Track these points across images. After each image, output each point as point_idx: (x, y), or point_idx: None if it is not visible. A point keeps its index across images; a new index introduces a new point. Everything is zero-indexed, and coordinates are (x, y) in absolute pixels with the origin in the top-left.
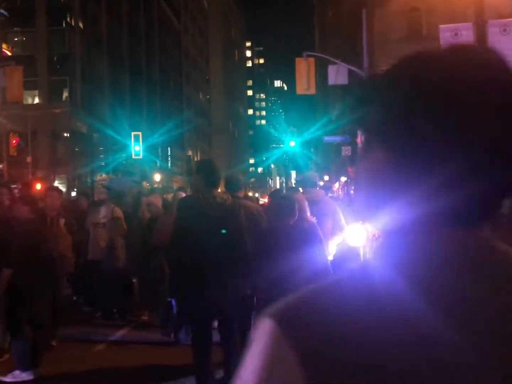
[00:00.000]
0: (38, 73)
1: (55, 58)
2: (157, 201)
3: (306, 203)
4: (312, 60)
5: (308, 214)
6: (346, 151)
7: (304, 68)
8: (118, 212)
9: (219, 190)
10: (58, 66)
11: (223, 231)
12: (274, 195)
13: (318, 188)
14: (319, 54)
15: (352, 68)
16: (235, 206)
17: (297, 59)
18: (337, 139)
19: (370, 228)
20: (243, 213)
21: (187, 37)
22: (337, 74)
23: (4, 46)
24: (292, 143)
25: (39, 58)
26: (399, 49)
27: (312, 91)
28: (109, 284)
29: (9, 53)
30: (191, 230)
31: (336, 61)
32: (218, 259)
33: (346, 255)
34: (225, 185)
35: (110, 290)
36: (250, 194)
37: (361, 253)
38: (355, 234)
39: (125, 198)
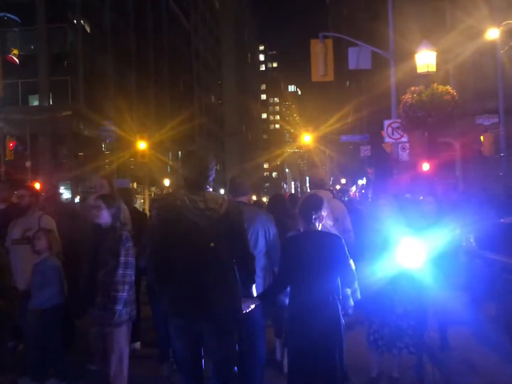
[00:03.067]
0: (38, 73)
1: (56, 58)
2: None
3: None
4: (329, 41)
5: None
6: (365, 151)
7: (320, 51)
8: (48, 221)
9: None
10: (59, 66)
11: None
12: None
13: (325, 189)
14: (337, 35)
15: (377, 50)
16: (234, 213)
17: (312, 41)
18: (355, 138)
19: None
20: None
21: (197, 38)
22: (359, 57)
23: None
24: (307, 139)
25: (39, 57)
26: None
27: (330, 77)
28: (38, 339)
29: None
30: (172, 245)
31: (358, 42)
32: (204, 285)
33: (397, 281)
34: (228, 189)
35: (40, 347)
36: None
37: (418, 277)
38: (411, 250)
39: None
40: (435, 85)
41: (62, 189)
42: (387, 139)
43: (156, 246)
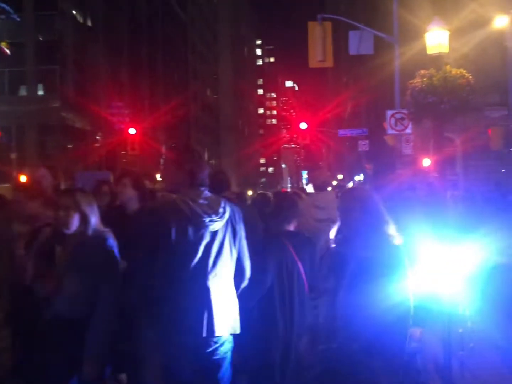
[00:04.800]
0: (26, 62)
1: (44, 46)
2: None
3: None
4: (329, 24)
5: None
6: (363, 145)
7: (318, 34)
8: None
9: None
10: (48, 55)
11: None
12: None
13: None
14: (337, 17)
15: (380, 34)
16: (237, 217)
17: (310, 23)
18: (353, 132)
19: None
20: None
21: (193, 30)
22: (361, 42)
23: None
24: (303, 125)
25: (27, 46)
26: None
27: (329, 63)
28: None
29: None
30: (178, 255)
31: (359, 25)
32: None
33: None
34: (210, 185)
35: None
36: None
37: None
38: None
39: None
40: (447, 67)
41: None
42: (390, 131)
43: (160, 258)
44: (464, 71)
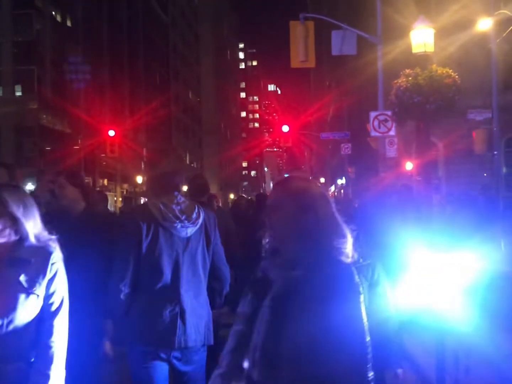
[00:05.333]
0: (2, 62)
1: (21, 46)
2: None
3: None
4: (311, 24)
5: None
6: (345, 149)
7: (300, 34)
8: None
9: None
10: (25, 55)
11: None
12: None
13: None
14: (320, 16)
15: (363, 34)
16: (211, 222)
17: (292, 23)
18: (335, 135)
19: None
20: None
21: (175, 32)
22: (343, 42)
23: None
24: (285, 128)
25: (3, 45)
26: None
27: (311, 63)
28: None
29: None
30: (150, 261)
31: (342, 25)
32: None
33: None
34: (188, 189)
35: None
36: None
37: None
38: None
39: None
40: (433, 66)
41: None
42: (373, 133)
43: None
44: (450, 70)
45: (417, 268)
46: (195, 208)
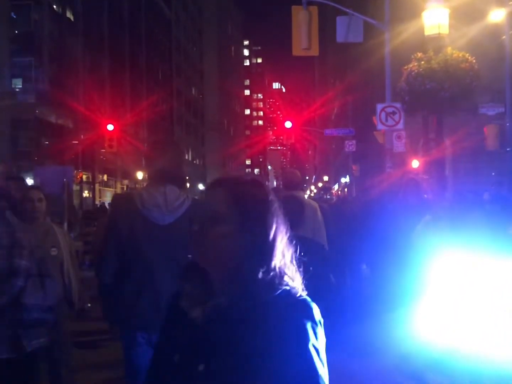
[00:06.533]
0: None
1: (19, 37)
2: None
3: None
4: (314, 9)
5: None
6: (349, 146)
7: (303, 20)
8: None
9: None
10: (22, 46)
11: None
12: None
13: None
14: (324, 1)
15: (370, 20)
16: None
17: (294, 8)
18: (339, 132)
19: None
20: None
21: (178, 27)
22: (349, 29)
23: None
24: (288, 124)
25: (0, 37)
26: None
27: (314, 51)
28: None
29: None
30: (128, 246)
31: (347, 10)
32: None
33: None
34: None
35: None
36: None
37: None
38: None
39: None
40: (448, 49)
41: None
42: (380, 126)
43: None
44: (467, 54)
45: (445, 281)
46: (180, 197)
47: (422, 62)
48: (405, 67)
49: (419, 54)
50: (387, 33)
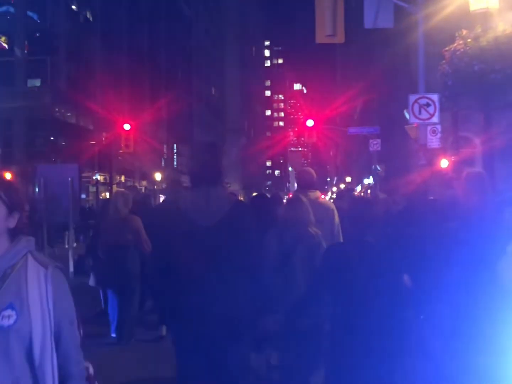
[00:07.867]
0: (13, 52)
1: (35, 36)
2: None
3: None
4: None
5: None
6: (374, 145)
7: (327, 3)
8: None
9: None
10: (37, 44)
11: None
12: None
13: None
14: None
15: (401, 3)
16: (240, 215)
17: None
18: (363, 130)
19: None
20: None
21: (198, 26)
22: (378, 13)
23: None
24: (310, 122)
25: (15, 34)
26: None
27: (340, 38)
28: None
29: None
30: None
31: None
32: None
33: None
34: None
35: None
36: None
37: None
38: None
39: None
40: (499, 25)
41: None
42: (412, 120)
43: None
44: None
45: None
46: (222, 199)
47: (469, 40)
48: (446, 49)
49: (464, 32)
50: (420, 18)
